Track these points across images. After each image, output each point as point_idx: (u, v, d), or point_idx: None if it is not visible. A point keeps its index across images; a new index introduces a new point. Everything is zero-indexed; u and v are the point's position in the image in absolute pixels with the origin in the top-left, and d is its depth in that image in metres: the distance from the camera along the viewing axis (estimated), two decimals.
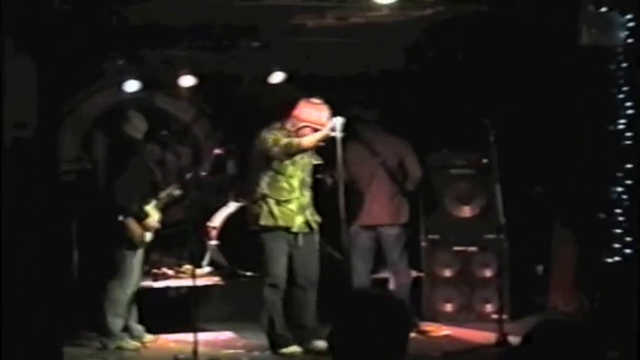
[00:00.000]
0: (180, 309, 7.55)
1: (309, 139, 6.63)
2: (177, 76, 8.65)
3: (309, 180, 6.91)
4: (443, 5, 6.85)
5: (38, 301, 5.95)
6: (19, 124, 5.96)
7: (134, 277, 7.17)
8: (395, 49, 7.99)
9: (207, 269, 8.80)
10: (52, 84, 6.13)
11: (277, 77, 8.79)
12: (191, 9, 7.10)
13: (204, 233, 8.71)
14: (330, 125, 6.55)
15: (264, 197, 6.76)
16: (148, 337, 7.29)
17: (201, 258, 8.77)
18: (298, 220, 6.77)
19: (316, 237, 6.97)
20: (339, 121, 6.51)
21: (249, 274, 8.50)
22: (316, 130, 6.66)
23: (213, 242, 8.65)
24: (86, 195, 8.45)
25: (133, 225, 7.08)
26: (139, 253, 7.19)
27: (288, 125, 6.78)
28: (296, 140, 6.64)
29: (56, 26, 6.18)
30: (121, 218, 7.01)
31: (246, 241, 8.49)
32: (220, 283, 8.52)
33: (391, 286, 7.97)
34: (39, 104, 6.05)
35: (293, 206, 6.77)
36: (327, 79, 8.05)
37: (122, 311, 7.14)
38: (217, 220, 8.69)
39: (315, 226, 6.93)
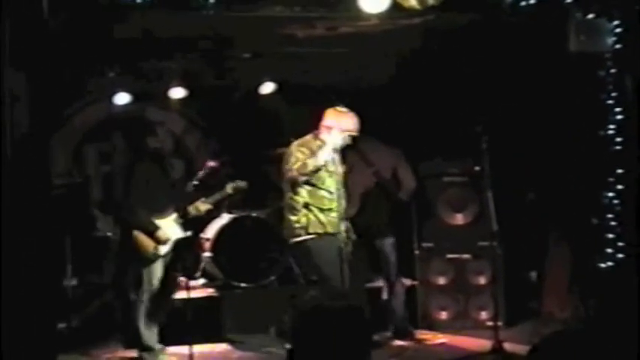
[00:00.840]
0: (174, 321, 7.53)
1: (322, 156, 6.62)
2: (168, 87, 8.66)
3: (342, 190, 6.80)
4: (432, 14, 6.85)
5: (33, 316, 5.95)
6: (11, 136, 5.98)
7: (156, 289, 7.15)
8: (385, 58, 8.01)
9: (201, 281, 8.80)
10: (44, 97, 6.14)
11: (268, 87, 8.81)
12: (181, 20, 7.11)
13: (197, 245, 8.70)
14: (334, 139, 6.63)
15: (307, 206, 6.72)
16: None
17: (195, 270, 8.77)
18: (341, 228, 6.63)
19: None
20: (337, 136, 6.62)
21: (243, 285, 8.50)
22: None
23: (207, 254, 8.63)
24: (78, 209, 8.48)
25: (143, 238, 7.06)
26: (158, 266, 7.15)
27: (316, 135, 6.81)
28: (310, 161, 6.61)
29: (47, 40, 6.19)
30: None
31: (240, 252, 8.57)
32: (214, 294, 8.50)
33: (385, 294, 7.98)
34: (30, 117, 6.06)
35: (335, 214, 6.68)
36: (318, 89, 8.06)
37: (153, 323, 7.15)
38: (211, 231, 8.68)
39: (352, 236, 6.89)
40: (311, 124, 6.89)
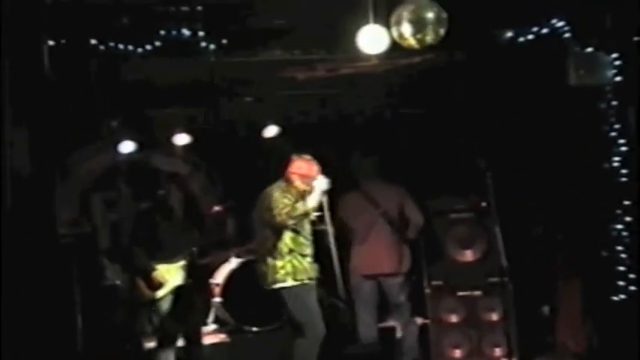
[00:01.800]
0: None
1: (312, 201, 6.68)
2: (172, 134, 8.69)
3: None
4: (431, 53, 6.87)
5: None
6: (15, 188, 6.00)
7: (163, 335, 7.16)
8: (386, 96, 8.02)
9: (212, 326, 8.77)
10: (46, 146, 6.17)
11: (271, 131, 8.83)
12: (182, 67, 7.17)
13: (207, 291, 8.68)
14: (321, 184, 6.67)
15: (291, 252, 6.72)
16: None
17: (206, 316, 8.74)
18: (314, 274, 6.80)
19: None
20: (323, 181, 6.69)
21: (254, 329, 8.46)
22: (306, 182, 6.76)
23: (217, 299, 8.61)
24: (87, 258, 8.47)
25: (140, 284, 7.06)
26: (161, 311, 7.14)
27: (289, 182, 6.81)
28: (299, 205, 6.64)
29: (49, 92, 6.24)
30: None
31: (249, 296, 8.54)
32: (226, 340, 8.47)
33: (399, 334, 7.93)
34: (34, 167, 6.09)
35: (310, 259, 6.78)
36: (321, 130, 8.08)
37: None
38: (220, 276, 8.66)
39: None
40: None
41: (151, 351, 7.22)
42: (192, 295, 7.20)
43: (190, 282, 7.16)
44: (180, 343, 7.33)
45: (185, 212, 7.28)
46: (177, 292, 7.11)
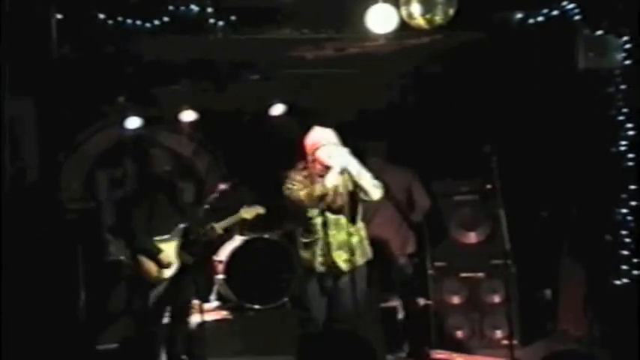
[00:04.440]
0: (188, 344, 7.50)
1: (329, 181, 6.23)
2: (178, 111, 8.68)
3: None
4: (440, 33, 6.85)
5: (44, 343, 5.96)
6: (20, 164, 6.01)
7: (167, 315, 7.19)
8: (394, 78, 8.01)
9: (215, 304, 8.79)
10: (53, 123, 6.17)
11: (278, 109, 8.83)
12: (189, 44, 7.15)
13: (211, 267, 8.70)
14: (340, 163, 6.23)
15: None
16: None
17: (209, 292, 8.76)
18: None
19: None
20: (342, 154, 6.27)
21: (257, 307, 8.49)
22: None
23: (220, 276, 8.63)
24: (91, 233, 8.49)
25: (146, 263, 7.07)
26: (162, 289, 7.15)
27: (307, 165, 6.44)
28: (318, 187, 6.26)
29: (56, 67, 6.23)
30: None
31: (252, 274, 8.57)
32: (228, 317, 8.49)
33: (400, 314, 7.96)
34: (40, 144, 6.09)
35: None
36: (328, 111, 8.06)
37: (175, 347, 7.19)
38: (224, 254, 8.68)
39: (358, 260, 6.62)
40: None
41: (165, 326, 7.24)
42: (197, 272, 7.23)
43: (192, 259, 7.19)
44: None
45: (190, 190, 7.29)
46: (181, 270, 7.14)
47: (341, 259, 6.35)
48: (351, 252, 6.37)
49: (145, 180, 7.68)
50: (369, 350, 3.00)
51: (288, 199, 6.43)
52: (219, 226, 7.44)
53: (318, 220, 6.36)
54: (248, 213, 7.85)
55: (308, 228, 6.42)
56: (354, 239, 6.39)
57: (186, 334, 7.35)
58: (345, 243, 6.34)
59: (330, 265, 6.34)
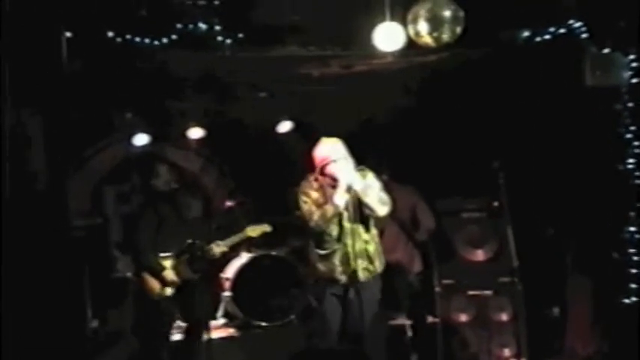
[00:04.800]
0: None
1: (339, 200, 6.19)
2: (186, 128, 8.71)
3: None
4: (447, 51, 6.86)
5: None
6: (28, 179, 6.01)
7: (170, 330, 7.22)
8: (401, 95, 8.02)
9: (221, 321, 8.79)
10: (61, 138, 6.18)
11: (285, 126, 8.85)
12: (197, 61, 7.17)
13: (217, 284, 8.70)
14: (346, 181, 6.19)
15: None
16: None
17: (216, 310, 8.76)
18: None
19: None
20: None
21: (263, 324, 8.48)
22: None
23: (227, 293, 8.62)
24: (98, 249, 8.50)
25: (149, 280, 7.08)
26: (165, 306, 7.16)
27: (318, 177, 6.38)
28: (330, 208, 6.21)
29: (65, 83, 6.25)
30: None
31: (259, 291, 8.57)
32: (235, 334, 8.48)
33: (409, 332, 7.94)
34: (48, 159, 6.10)
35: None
36: (334, 128, 8.06)
37: None
38: (230, 271, 8.68)
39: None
40: None
41: (177, 343, 7.25)
42: (200, 289, 7.23)
43: (198, 276, 7.19)
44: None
45: (197, 206, 7.30)
46: (188, 287, 7.14)
47: (360, 267, 6.29)
48: (370, 260, 6.34)
49: (151, 196, 7.70)
50: None
51: (302, 219, 6.38)
52: (224, 244, 7.44)
53: (335, 231, 6.32)
54: (254, 231, 7.88)
55: (323, 239, 6.35)
56: (371, 247, 6.36)
57: (197, 352, 7.35)
58: (363, 251, 6.32)
59: (351, 274, 6.26)
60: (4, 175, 5.83)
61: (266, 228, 7.89)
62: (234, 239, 7.63)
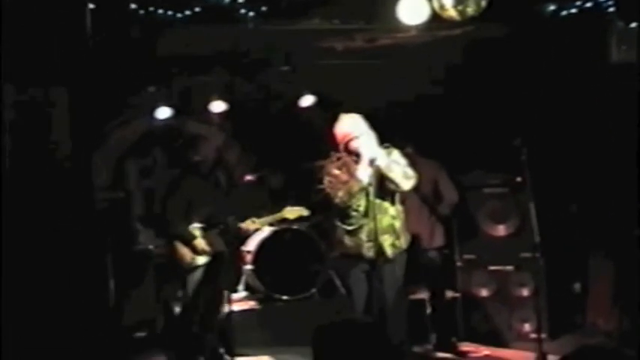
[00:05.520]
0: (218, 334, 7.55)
1: (362, 175, 6.17)
2: (208, 102, 8.72)
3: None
4: (471, 25, 6.82)
5: (72, 332, 5.99)
6: (52, 151, 6.04)
7: (198, 300, 7.24)
8: (425, 70, 7.98)
9: (242, 294, 8.83)
10: (85, 112, 6.20)
11: (307, 100, 8.84)
12: (220, 34, 7.16)
13: (239, 258, 8.74)
14: (369, 155, 6.15)
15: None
16: None
17: (237, 282, 8.80)
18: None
19: None
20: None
21: (284, 297, 8.51)
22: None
23: (249, 267, 8.66)
24: (120, 222, 8.55)
25: (180, 248, 7.13)
26: (196, 276, 7.21)
27: (341, 155, 6.36)
28: (354, 184, 6.21)
29: (89, 56, 6.25)
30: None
31: (281, 265, 8.60)
32: (256, 307, 8.53)
33: (428, 306, 7.96)
34: (72, 131, 6.12)
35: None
36: (357, 102, 8.04)
37: (208, 333, 7.27)
38: (252, 244, 8.72)
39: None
40: None
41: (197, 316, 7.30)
42: (229, 262, 7.28)
43: (226, 248, 7.24)
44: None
45: (220, 179, 7.33)
46: (218, 258, 7.18)
47: (387, 243, 6.27)
48: (396, 236, 6.33)
49: (174, 169, 7.73)
50: (392, 344, 2.99)
51: (325, 195, 6.34)
52: (260, 222, 7.45)
53: (362, 206, 6.28)
54: (291, 213, 7.87)
55: (349, 214, 6.32)
56: (397, 223, 6.34)
57: (217, 324, 7.40)
58: (389, 227, 6.30)
59: (377, 250, 6.19)
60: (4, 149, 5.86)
61: (303, 212, 7.85)
62: (269, 219, 7.64)
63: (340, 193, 6.24)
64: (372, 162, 6.11)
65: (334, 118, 6.44)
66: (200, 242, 7.12)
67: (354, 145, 6.26)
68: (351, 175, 6.24)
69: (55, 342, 5.67)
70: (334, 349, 2.77)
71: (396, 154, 6.34)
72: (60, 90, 6.07)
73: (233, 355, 7.41)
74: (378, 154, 6.16)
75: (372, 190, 6.14)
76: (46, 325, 5.68)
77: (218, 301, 7.36)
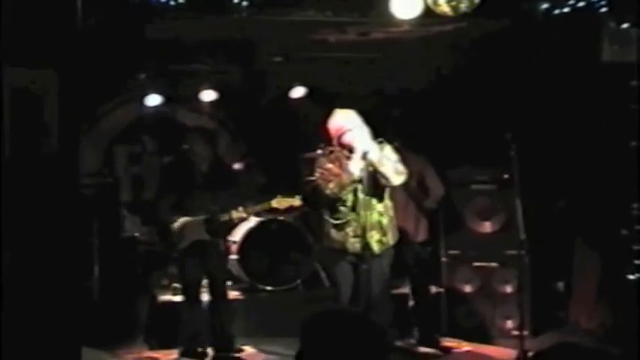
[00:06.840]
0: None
1: (355, 168, 6.22)
2: (199, 90, 8.70)
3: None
4: (464, 21, 6.83)
5: (56, 317, 5.97)
6: (40, 135, 6.02)
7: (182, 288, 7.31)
8: (415, 64, 7.99)
9: (227, 284, 8.80)
10: (74, 97, 6.17)
11: (298, 92, 8.85)
12: (213, 23, 7.14)
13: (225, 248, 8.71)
14: (362, 148, 6.18)
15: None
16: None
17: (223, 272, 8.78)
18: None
19: None
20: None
21: (269, 288, 8.51)
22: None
23: (234, 257, 8.65)
24: (107, 208, 8.53)
25: (166, 236, 7.13)
26: (182, 266, 7.23)
27: (334, 149, 6.41)
28: (346, 176, 6.27)
29: (79, 39, 6.23)
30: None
31: (266, 255, 8.60)
32: (240, 297, 8.52)
33: (411, 302, 7.97)
34: (60, 117, 6.10)
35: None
36: (347, 95, 8.07)
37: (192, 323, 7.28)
38: (238, 234, 8.70)
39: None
40: None
41: (178, 304, 7.30)
42: (213, 251, 7.25)
43: (212, 239, 7.22)
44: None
45: (208, 168, 7.30)
46: (199, 247, 7.16)
47: (374, 239, 6.33)
48: (383, 233, 6.38)
49: (163, 157, 7.73)
50: (379, 334, 2.99)
51: (316, 187, 6.38)
52: (245, 211, 7.39)
53: (349, 201, 6.32)
54: (280, 202, 7.43)
55: (337, 208, 6.37)
56: (385, 220, 6.40)
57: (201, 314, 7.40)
58: (376, 223, 6.35)
59: (364, 246, 6.24)
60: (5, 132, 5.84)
61: (295, 201, 7.67)
62: (257, 208, 7.54)
63: (331, 185, 6.27)
64: (364, 155, 6.14)
65: (329, 113, 6.45)
66: (175, 227, 7.10)
67: (347, 138, 6.28)
68: (343, 168, 6.27)
69: (38, 326, 5.66)
70: (324, 339, 2.77)
71: (388, 149, 6.37)
72: (50, 74, 6.05)
73: (217, 346, 7.40)
74: (371, 147, 6.18)
75: (363, 183, 6.18)
76: (29, 309, 5.67)
77: (196, 292, 7.35)
